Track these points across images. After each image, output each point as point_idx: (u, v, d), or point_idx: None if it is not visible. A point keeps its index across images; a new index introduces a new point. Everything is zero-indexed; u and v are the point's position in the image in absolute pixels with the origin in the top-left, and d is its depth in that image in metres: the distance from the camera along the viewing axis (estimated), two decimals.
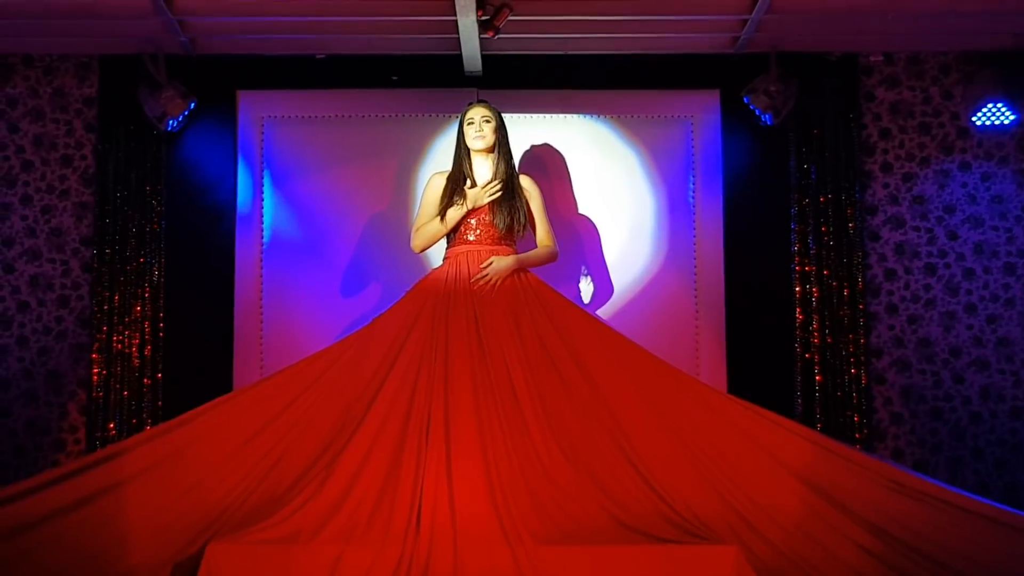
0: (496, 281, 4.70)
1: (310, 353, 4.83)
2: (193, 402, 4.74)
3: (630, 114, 5.91)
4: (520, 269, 4.82)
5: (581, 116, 5.86)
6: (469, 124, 4.99)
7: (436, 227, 4.91)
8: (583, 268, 5.85)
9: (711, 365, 5.87)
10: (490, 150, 4.97)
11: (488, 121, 4.97)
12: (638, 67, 5.93)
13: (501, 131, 5.00)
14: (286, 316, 5.82)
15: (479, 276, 4.70)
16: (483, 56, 5.64)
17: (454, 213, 4.87)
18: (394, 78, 5.93)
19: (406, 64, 5.92)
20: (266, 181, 5.91)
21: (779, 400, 5.64)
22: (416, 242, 5.00)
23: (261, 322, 5.89)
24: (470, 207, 4.85)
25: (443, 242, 5.12)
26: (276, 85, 5.92)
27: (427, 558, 4.07)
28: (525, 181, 5.12)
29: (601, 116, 5.87)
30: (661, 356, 4.84)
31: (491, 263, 4.76)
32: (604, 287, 5.84)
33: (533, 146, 5.89)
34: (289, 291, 5.82)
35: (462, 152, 5.04)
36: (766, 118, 5.79)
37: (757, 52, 5.83)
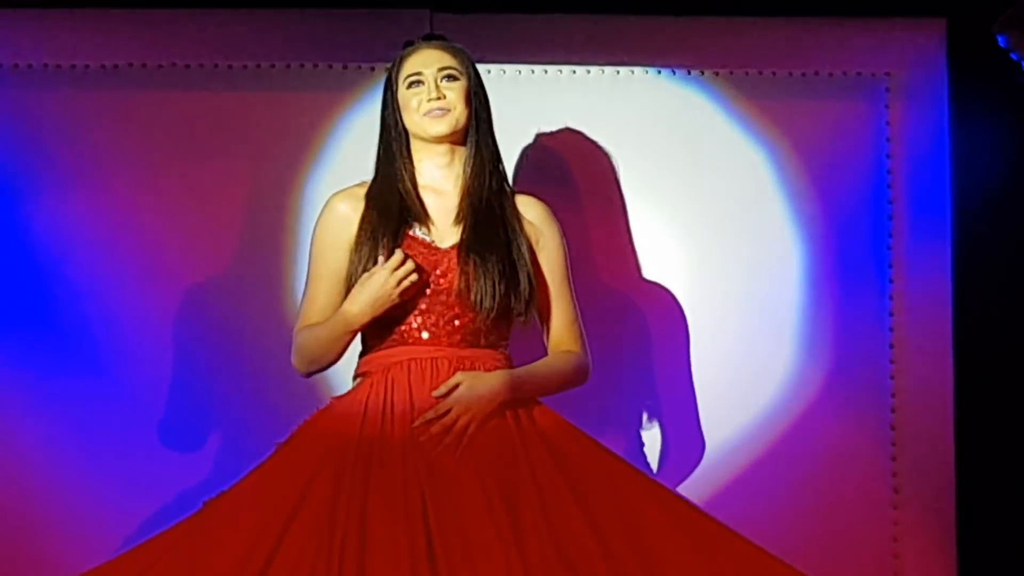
0: (469, 429, 3.40)
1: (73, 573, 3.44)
2: None
3: (755, 68, 4.30)
4: (517, 399, 3.48)
5: (649, 72, 4.33)
6: (412, 85, 3.58)
7: (330, 332, 3.57)
8: (646, 402, 4.39)
9: None
10: (456, 139, 3.55)
11: (453, 78, 3.57)
12: None
13: (479, 99, 3.59)
14: (21, 485, 4.22)
15: (432, 416, 3.41)
16: None
17: (357, 309, 3.58)
18: None
19: None
20: None
21: None
22: (296, 355, 3.62)
23: None
24: (367, 306, 3.55)
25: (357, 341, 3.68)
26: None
27: None
28: (531, 209, 3.61)
29: (692, 72, 4.34)
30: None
31: (457, 387, 3.41)
32: (688, 438, 4.36)
33: (542, 135, 4.37)
34: (24, 434, 4.25)
35: (398, 144, 3.57)
36: None
37: None
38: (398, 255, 3.51)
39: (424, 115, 3.52)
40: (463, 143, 3.61)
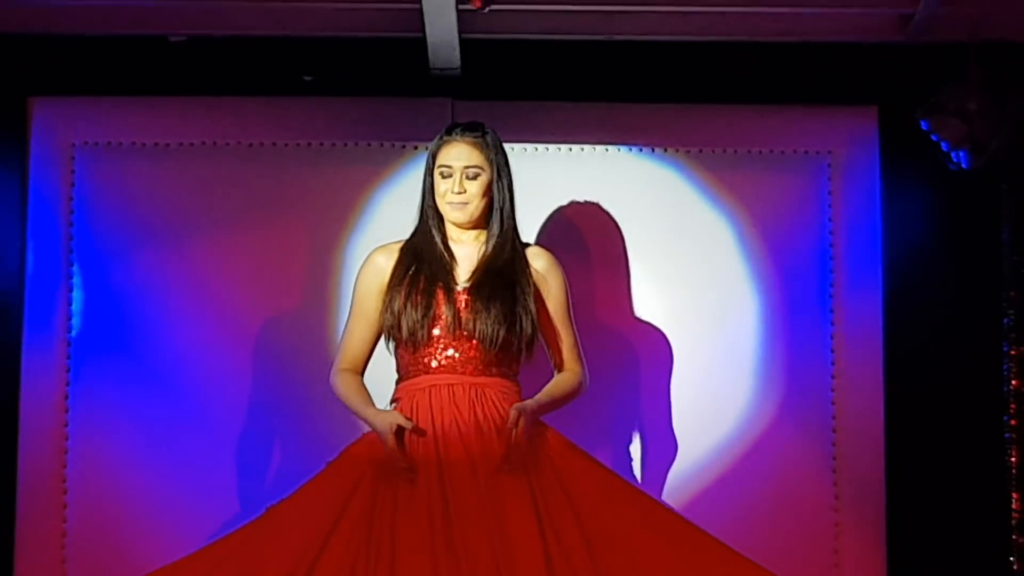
0: (524, 447, 3.60)
1: (153, 567, 3.68)
2: None
3: (720, 147, 4.62)
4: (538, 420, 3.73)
5: (632, 150, 4.64)
6: (443, 175, 3.76)
7: (353, 408, 3.78)
8: (634, 413, 4.58)
9: None
10: (478, 223, 3.79)
11: (476, 175, 3.76)
12: (734, 65, 4.67)
13: (501, 186, 3.79)
14: (109, 492, 4.44)
15: (512, 443, 3.58)
16: (463, 41, 4.40)
17: (369, 421, 3.71)
18: (306, 79, 4.59)
19: (328, 54, 4.63)
20: (76, 253, 4.55)
21: None
22: (334, 385, 3.80)
23: (64, 507, 4.38)
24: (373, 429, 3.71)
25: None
26: (96, 89, 4.57)
27: None
28: (538, 259, 3.87)
29: (668, 150, 4.64)
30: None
31: (519, 415, 3.59)
32: (664, 444, 4.59)
33: (547, 200, 4.62)
34: (115, 446, 4.50)
35: (432, 210, 3.81)
36: (959, 156, 4.51)
37: (944, 41, 4.54)
38: (395, 434, 3.56)
39: (448, 203, 3.70)
40: (487, 225, 3.75)
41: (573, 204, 4.52)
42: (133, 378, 4.48)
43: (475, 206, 3.70)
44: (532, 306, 3.70)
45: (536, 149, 4.48)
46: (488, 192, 3.72)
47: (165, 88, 4.48)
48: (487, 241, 3.73)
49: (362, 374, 3.78)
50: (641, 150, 4.55)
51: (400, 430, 3.54)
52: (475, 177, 3.71)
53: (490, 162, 3.71)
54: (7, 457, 4.42)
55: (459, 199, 3.69)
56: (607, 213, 4.53)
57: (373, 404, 3.69)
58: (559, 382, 3.79)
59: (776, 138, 4.61)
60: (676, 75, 4.56)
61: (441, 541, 3.46)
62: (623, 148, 4.54)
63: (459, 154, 3.70)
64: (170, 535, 4.25)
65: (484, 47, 4.45)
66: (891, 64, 4.60)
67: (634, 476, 4.48)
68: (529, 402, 3.63)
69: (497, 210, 3.72)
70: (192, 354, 4.46)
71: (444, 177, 3.70)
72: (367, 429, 3.70)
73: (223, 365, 4.47)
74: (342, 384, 3.76)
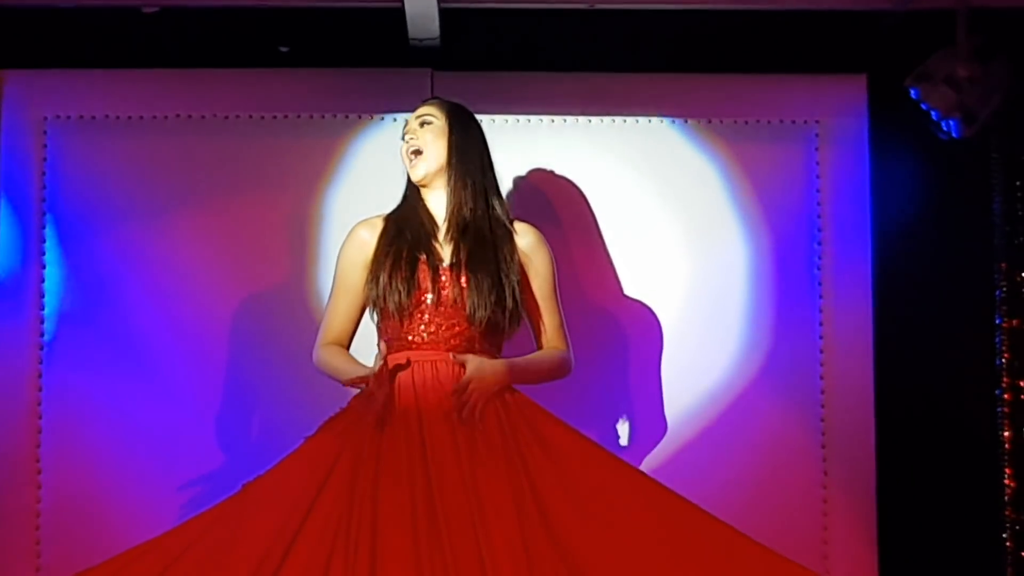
0: (479, 404, 3.60)
1: (130, 545, 3.61)
2: None
3: (706, 117, 4.65)
4: (514, 382, 3.73)
5: (617, 120, 4.65)
6: (405, 135, 3.88)
7: (335, 375, 3.78)
8: (622, 392, 4.59)
9: (849, 568, 4.49)
10: (437, 177, 3.81)
11: (427, 123, 3.82)
12: (722, 32, 4.67)
13: (456, 138, 3.80)
14: (83, 472, 4.44)
15: (455, 390, 3.62)
16: (442, 11, 4.40)
17: (349, 381, 3.71)
18: (282, 49, 4.57)
19: (304, 24, 4.62)
20: (49, 230, 4.53)
21: None
22: (317, 365, 3.84)
23: (39, 488, 4.40)
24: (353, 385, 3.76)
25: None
26: (68, 61, 4.56)
27: None
28: (525, 236, 3.86)
29: (654, 119, 4.65)
30: (754, 546, 3.62)
31: (470, 372, 3.63)
32: (652, 422, 4.60)
33: (530, 173, 4.62)
34: (89, 425, 4.50)
35: (411, 188, 3.85)
36: (949, 124, 4.53)
37: (933, 8, 4.52)
38: (378, 372, 3.61)
39: (407, 157, 3.76)
40: (447, 181, 3.77)
41: (554, 175, 4.53)
42: (108, 356, 4.46)
43: (429, 155, 3.73)
44: (514, 278, 3.70)
45: (518, 120, 4.51)
46: (443, 143, 3.75)
47: (138, 60, 4.48)
48: (453, 200, 3.75)
49: (347, 349, 3.78)
50: (625, 121, 4.56)
51: (396, 369, 3.60)
52: (425, 125, 3.75)
53: (443, 114, 3.75)
54: None
55: (412, 144, 3.74)
56: (582, 192, 4.61)
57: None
58: (542, 354, 3.79)
59: (763, 107, 4.62)
60: (660, 44, 4.56)
61: (423, 522, 3.43)
62: (606, 119, 4.56)
63: (416, 112, 3.80)
64: (145, 514, 4.26)
65: (464, 16, 4.44)
66: (880, 32, 4.57)
67: (621, 451, 4.45)
68: (498, 362, 3.66)
69: (452, 160, 3.75)
70: (168, 331, 4.47)
71: (404, 135, 3.79)
72: (345, 403, 3.67)
73: (200, 342, 4.47)
74: (328, 354, 3.77)
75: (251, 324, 4.46)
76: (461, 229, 3.72)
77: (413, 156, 3.74)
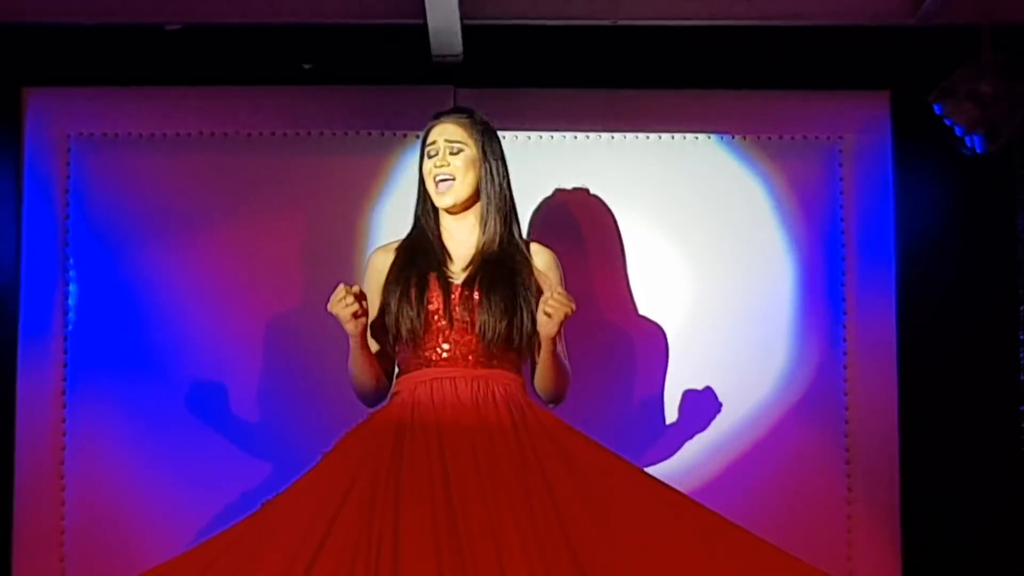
0: (558, 314, 3.58)
1: (153, 563, 3.60)
2: None
3: (729, 133, 4.60)
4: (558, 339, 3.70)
5: (640, 136, 4.60)
6: (430, 157, 3.74)
7: (350, 351, 3.75)
8: (643, 405, 4.51)
9: None
10: (469, 206, 3.73)
11: (459, 151, 3.72)
12: (743, 50, 4.62)
13: (488, 166, 3.73)
14: (107, 488, 4.40)
15: (552, 301, 3.58)
16: (464, 28, 4.35)
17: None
18: (305, 67, 4.55)
19: (327, 41, 4.58)
20: (73, 247, 4.51)
21: None
22: (352, 380, 3.79)
23: (63, 504, 4.36)
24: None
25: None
26: (91, 79, 4.53)
27: None
28: (538, 256, 3.80)
29: (677, 135, 4.61)
30: (780, 554, 3.61)
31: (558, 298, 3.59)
32: (673, 436, 4.55)
33: (552, 190, 4.58)
34: (113, 441, 4.46)
35: (425, 203, 3.78)
36: (973, 140, 4.48)
37: (956, 24, 4.48)
38: (339, 289, 3.64)
39: (435, 183, 3.68)
40: (477, 209, 3.71)
41: (577, 193, 4.51)
42: (131, 372, 4.44)
43: (460, 184, 3.66)
44: (533, 302, 3.67)
45: (540, 137, 4.48)
46: (474, 171, 3.69)
47: (161, 78, 4.47)
48: (480, 223, 3.69)
49: (385, 369, 3.75)
50: (648, 138, 4.53)
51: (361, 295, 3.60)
52: (458, 152, 3.68)
53: (474, 140, 3.69)
54: (4, 453, 4.39)
55: (442, 172, 3.66)
56: (598, 202, 4.56)
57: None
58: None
59: (787, 124, 4.60)
60: (683, 60, 4.53)
61: (445, 540, 3.40)
62: (629, 135, 4.53)
63: (443, 130, 3.70)
64: (168, 531, 4.25)
65: (486, 33, 4.41)
66: (903, 48, 4.57)
67: (641, 465, 4.16)
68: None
69: (485, 191, 3.69)
70: (190, 348, 4.44)
71: (430, 157, 3.69)
72: (363, 418, 3.66)
73: (222, 359, 4.44)
74: (353, 367, 3.78)
75: (274, 341, 4.43)
76: (484, 259, 3.70)
77: (442, 183, 3.69)
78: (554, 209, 4.52)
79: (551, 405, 3.79)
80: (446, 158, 3.69)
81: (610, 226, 4.54)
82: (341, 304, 3.60)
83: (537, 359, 3.72)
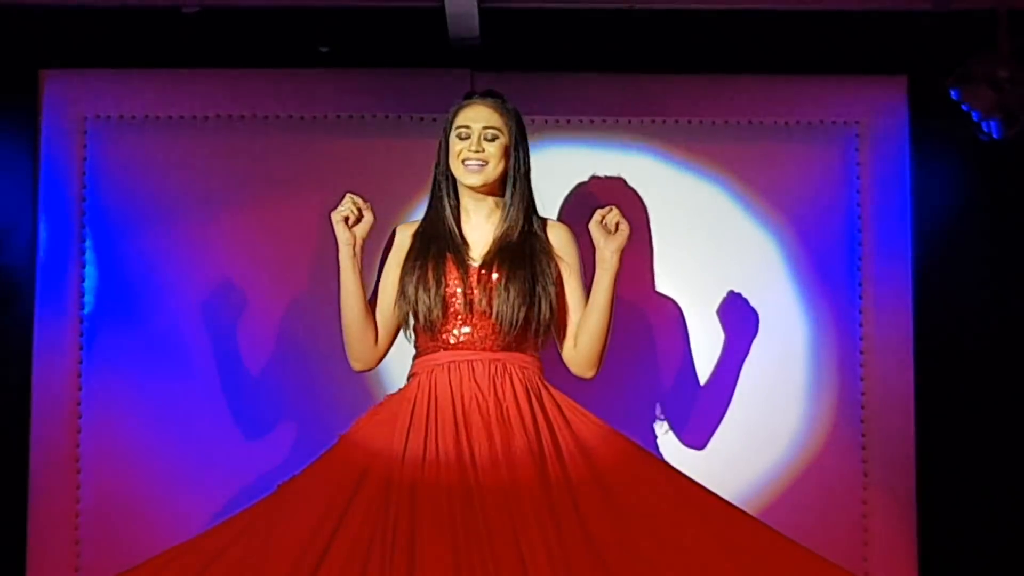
0: (623, 242, 3.70)
1: (168, 545, 3.61)
2: None
3: (746, 118, 4.55)
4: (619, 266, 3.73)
5: (655, 122, 4.57)
6: (461, 136, 3.70)
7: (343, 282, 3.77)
8: (656, 392, 4.45)
9: (890, 572, 4.40)
10: (493, 189, 3.71)
11: (495, 138, 3.68)
12: (760, 34, 4.55)
13: (518, 155, 3.72)
14: (122, 470, 4.37)
15: (606, 212, 3.71)
16: (482, 10, 4.31)
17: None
18: (323, 50, 4.51)
19: (344, 24, 4.52)
20: (89, 229, 4.48)
21: None
22: (342, 321, 3.80)
23: (78, 487, 4.34)
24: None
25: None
26: (108, 61, 4.49)
27: None
28: (555, 233, 3.79)
29: (692, 122, 4.57)
30: (798, 549, 3.60)
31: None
32: (691, 423, 4.51)
33: (569, 174, 4.54)
34: (128, 423, 4.43)
35: (446, 182, 3.74)
36: (990, 125, 4.40)
37: (974, 9, 4.42)
38: (346, 198, 3.72)
39: (464, 164, 3.66)
40: (503, 191, 3.70)
41: (595, 178, 4.48)
42: (146, 355, 4.42)
43: (492, 168, 3.64)
44: (552, 289, 3.64)
45: (558, 121, 4.46)
46: (505, 158, 3.67)
47: (178, 60, 4.43)
48: (503, 211, 3.68)
49: (383, 343, 3.74)
50: (665, 122, 4.50)
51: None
52: (493, 139, 3.66)
53: (508, 128, 3.67)
54: (20, 435, 4.37)
55: (477, 158, 3.65)
56: (631, 188, 4.45)
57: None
58: None
59: (803, 108, 4.54)
60: (700, 45, 4.50)
61: (462, 525, 3.39)
62: (646, 119, 4.50)
63: (478, 115, 3.67)
64: (183, 513, 4.23)
65: (504, 16, 4.37)
66: (920, 33, 4.52)
67: (659, 451, 4.41)
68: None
69: (512, 179, 3.68)
70: (208, 331, 4.41)
71: (462, 139, 3.66)
72: (380, 401, 3.65)
73: (239, 342, 4.40)
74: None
75: (290, 324, 4.40)
76: (503, 245, 3.69)
77: (472, 164, 3.67)
78: (572, 192, 4.50)
79: (588, 375, 3.73)
80: (481, 143, 3.67)
81: (639, 212, 4.48)
82: (336, 211, 3.61)
83: (584, 309, 3.67)
